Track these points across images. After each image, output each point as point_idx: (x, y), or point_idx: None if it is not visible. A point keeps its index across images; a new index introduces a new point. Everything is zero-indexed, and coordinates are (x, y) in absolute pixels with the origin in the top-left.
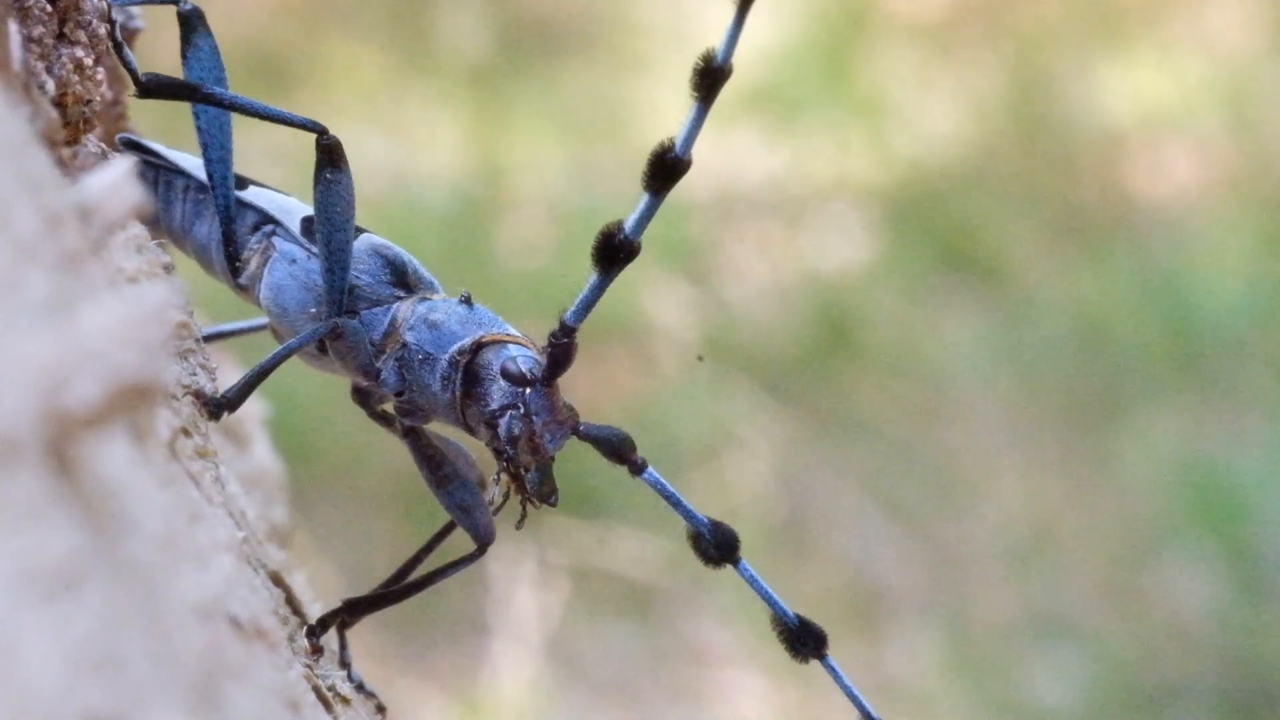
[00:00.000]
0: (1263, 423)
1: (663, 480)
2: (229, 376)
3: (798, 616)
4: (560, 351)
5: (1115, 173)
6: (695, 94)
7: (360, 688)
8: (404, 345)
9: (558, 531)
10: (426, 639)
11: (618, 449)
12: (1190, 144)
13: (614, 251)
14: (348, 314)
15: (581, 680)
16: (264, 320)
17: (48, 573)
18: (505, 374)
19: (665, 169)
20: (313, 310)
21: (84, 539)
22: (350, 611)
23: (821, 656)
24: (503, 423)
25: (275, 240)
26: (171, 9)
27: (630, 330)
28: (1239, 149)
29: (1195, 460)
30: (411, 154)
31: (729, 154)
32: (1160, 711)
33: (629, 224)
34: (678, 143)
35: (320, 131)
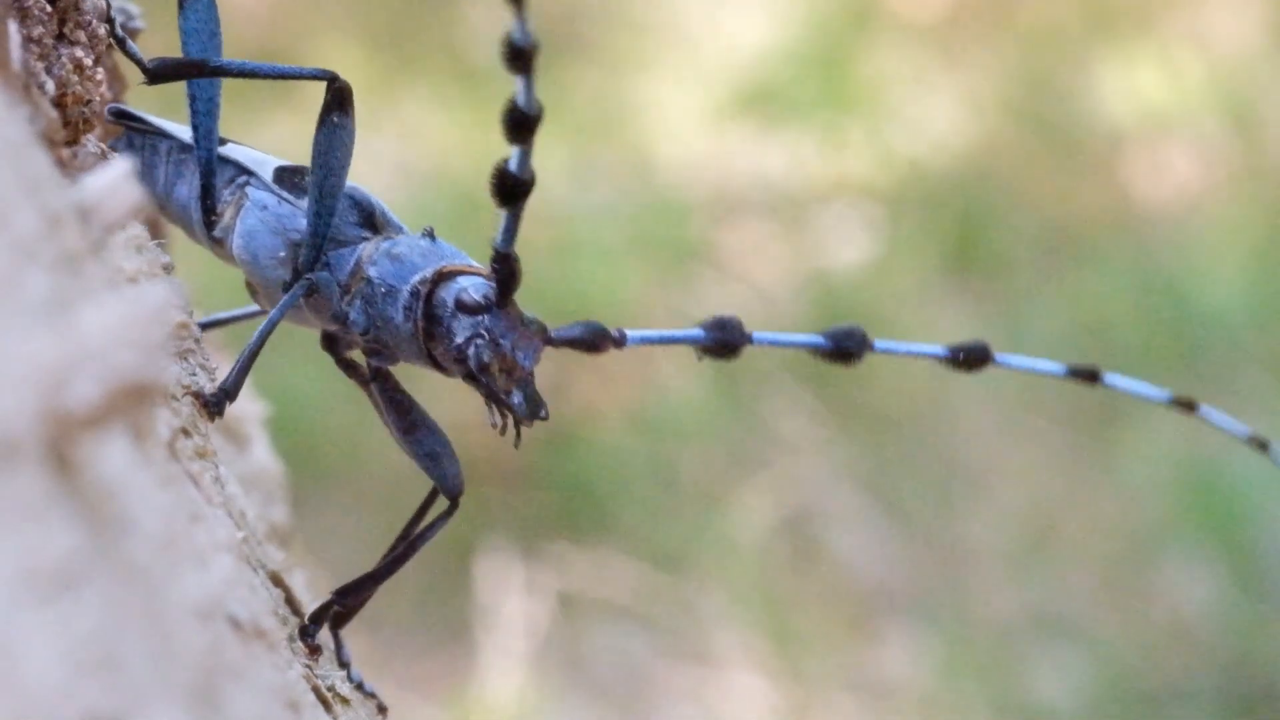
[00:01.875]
0: (1262, 423)
1: (647, 333)
2: (240, 392)
3: (823, 334)
4: (504, 273)
5: (1115, 173)
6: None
7: (360, 687)
8: (368, 280)
9: (550, 555)
10: (413, 646)
11: (595, 341)
12: (1190, 144)
13: (510, 190)
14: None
15: (581, 681)
16: (255, 309)
17: (48, 573)
18: (460, 305)
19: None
20: (281, 254)
21: (84, 539)
22: (341, 598)
23: (870, 345)
24: (471, 353)
25: (249, 190)
26: (170, 11)
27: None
28: (1239, 149)
29: (1195, 461)
30: (411, 154)
31: (728, 154)
32: (1160, 711)
33: (513, 164)
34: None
35: (332, 78)
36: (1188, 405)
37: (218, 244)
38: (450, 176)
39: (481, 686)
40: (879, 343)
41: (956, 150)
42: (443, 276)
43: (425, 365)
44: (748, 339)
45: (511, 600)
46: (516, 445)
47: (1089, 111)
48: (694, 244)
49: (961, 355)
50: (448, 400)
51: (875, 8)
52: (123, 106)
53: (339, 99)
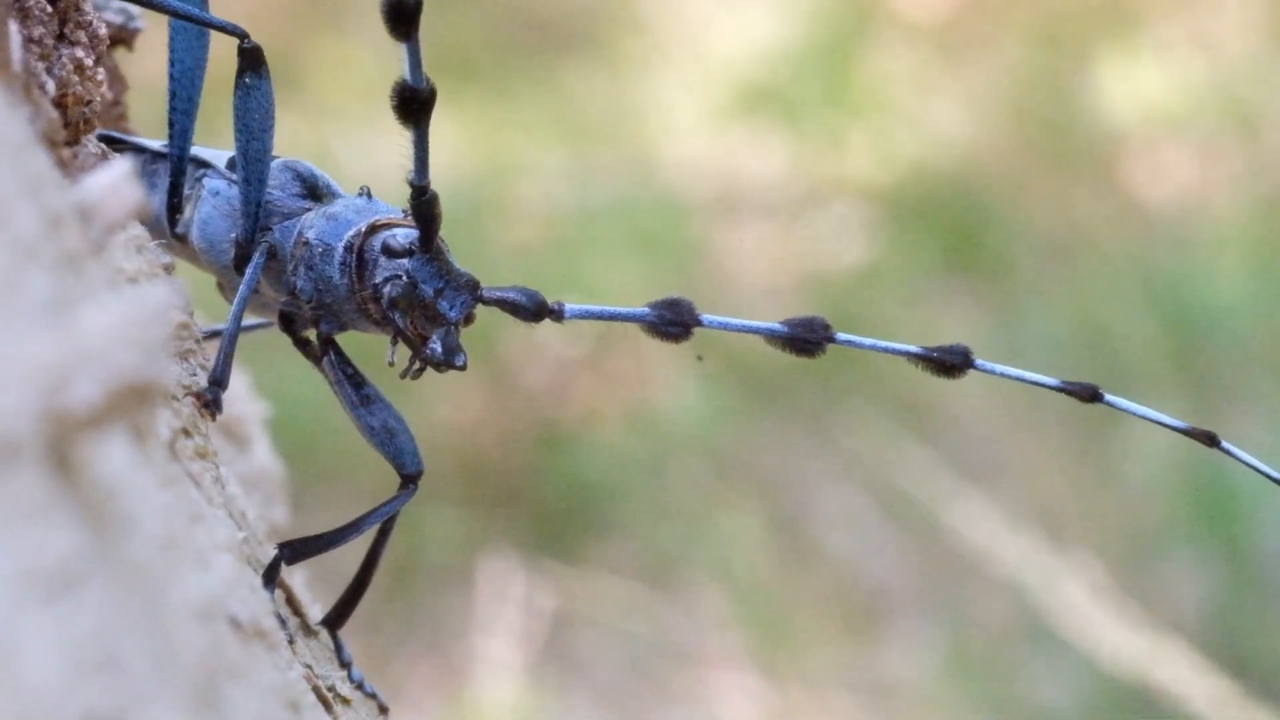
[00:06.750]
0: (1262, 423)
1: (589, 307)
2: (230, 378)
3: (782, 321)
4: (423, 210)
5: (1116, 173)
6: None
7: (360, 687)
8: (307, 244)
9: (549, 555)
10: (414, 649)
11: (533, 309)
12: (1191, 144)
13: (407, 104)
14: (263, 230)
15: (581, 681)
16: (261, 321)
17: (48, 573)
18: (386, 250)
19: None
20: (233, 235)
21: (84, 539)
22: (286, 549)
23: (832, 337)
24: (385, 291)
25: (204, 181)
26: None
27: (629, 331)
28: (1239, 149)
29: (1195, 461)
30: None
31: (729, 154)
32: (1160, 712)
33: (406, 70)
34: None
35: (242, 36)
36: (1208, 437)
37: (181, 241)
38: (454, 177)
39: (479, 690)
40: (841, 335)
41: (957, 150)
42: (375, 229)
43: (368, 327)
44: (697, 320)
45: (510, 602)
46: (414, 377)
47: (1090, 111)
48: (694, 244)
49: (936, 355)
50: (447, 402)
51: (877, 8)
52: (106, 132)
53: (251, 60)
